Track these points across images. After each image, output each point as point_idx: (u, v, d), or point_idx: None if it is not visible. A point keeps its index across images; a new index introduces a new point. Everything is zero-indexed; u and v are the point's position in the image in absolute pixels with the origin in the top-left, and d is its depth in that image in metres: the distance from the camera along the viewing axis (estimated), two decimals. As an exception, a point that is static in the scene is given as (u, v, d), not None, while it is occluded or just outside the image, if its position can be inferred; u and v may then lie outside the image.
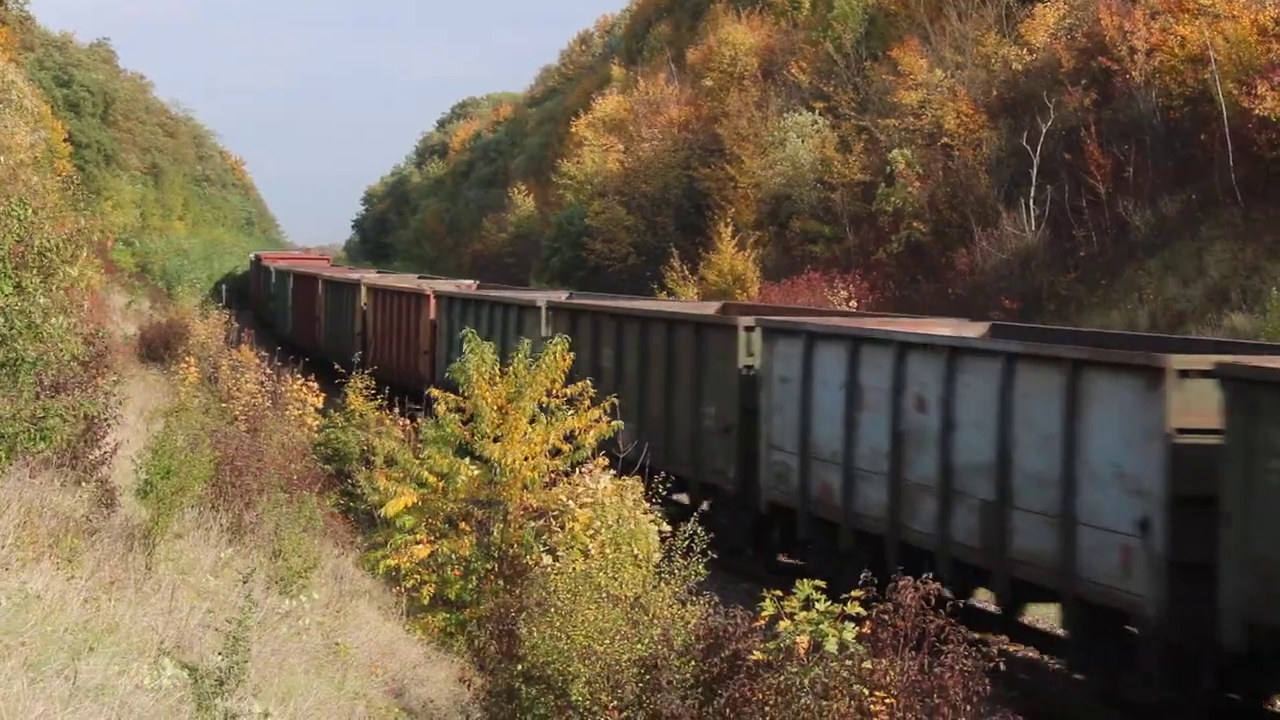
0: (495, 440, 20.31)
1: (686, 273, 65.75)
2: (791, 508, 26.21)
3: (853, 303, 55.23)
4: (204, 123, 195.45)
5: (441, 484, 20.55)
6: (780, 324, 27.82)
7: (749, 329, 28.38)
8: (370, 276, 64.93)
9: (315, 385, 34.15)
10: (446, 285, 54.88)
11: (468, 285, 56.91)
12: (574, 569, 15.66)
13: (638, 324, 32.76)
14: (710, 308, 39.07)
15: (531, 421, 20.57)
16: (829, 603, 12.50)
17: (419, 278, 66.02)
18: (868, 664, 11.73)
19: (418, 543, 20.14)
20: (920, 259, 59.75)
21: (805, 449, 25.68)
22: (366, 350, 51.23)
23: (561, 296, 43.44)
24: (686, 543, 15.50)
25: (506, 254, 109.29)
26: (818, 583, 12.72)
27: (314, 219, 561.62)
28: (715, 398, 29.10)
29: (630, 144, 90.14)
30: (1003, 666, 11.90)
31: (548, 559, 17.78)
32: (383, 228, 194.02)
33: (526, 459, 20.30)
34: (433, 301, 47.83)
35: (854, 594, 12.59)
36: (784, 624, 12.45)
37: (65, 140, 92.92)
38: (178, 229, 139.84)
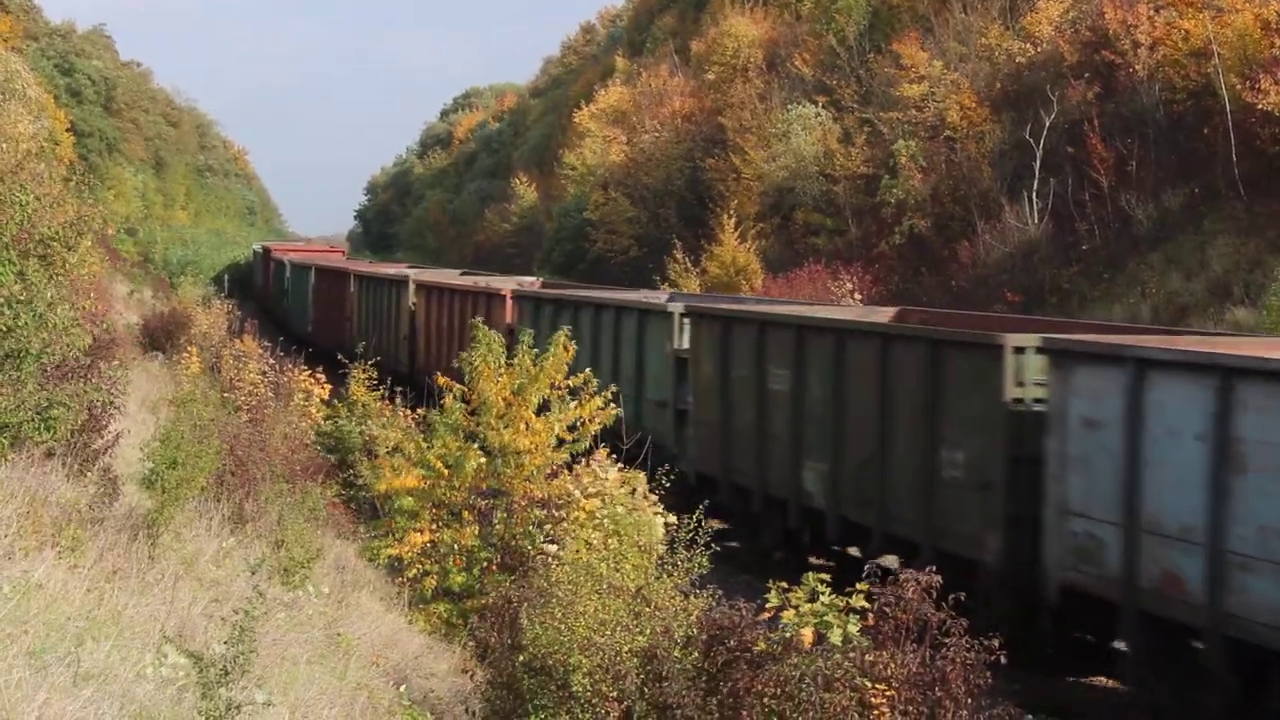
0: (501, 430, 20.39)
1: (689, 264, 65.75)
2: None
3: (857, 295, 55.20)
4: (207, 112, 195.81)
5: (448, 471, 20.58)
6: (1086, 346, 20.13)
7: (1019, 350, 21.32)
8: (425, 274, 56.37)
9: (322, 376, 34.18)
10: (509, 282, 48.19)
11: (531, 283, 50.69)
12: (576, 560, 15.69)
13: (832, 337, 25.90)
14: (885, 313, 32.05)
15: (537, 413, 20.64)
16: (833, 595, 12.56)
17: (462, 273, 60.98)
18: (869, 656, 11.76)
19: (418, 530, 20.15)
20: (923, 252, 59.75)
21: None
22: (417, 355, 48.79)
23: (664, 298, 38.99)
24: (690, 535, 15.54)
25: (509, 245, 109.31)
26: (823, 575, 12.82)
27: (315, 209, 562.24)
28: (964, 441, 22.33)
29: (633, 135, 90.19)
30: (1003, 660, 11.90)
31: (551, 549, 17.80)
32: (385, 218, 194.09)
33: (532, 449, 20.35)
34: (510, 303, 41.04)
35: (858, 586, 12.66)
36: (787, 614, 12.51)
37: (68, 130, 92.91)
38: (180, 218, 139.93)
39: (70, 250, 16.01)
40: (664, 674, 12.38)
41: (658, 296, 38.05)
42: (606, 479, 19.38)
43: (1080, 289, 50.02)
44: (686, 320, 31.10)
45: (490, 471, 20.39)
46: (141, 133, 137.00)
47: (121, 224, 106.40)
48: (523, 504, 19.87)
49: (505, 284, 46.40)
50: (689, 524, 15.69)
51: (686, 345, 31.02)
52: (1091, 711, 20.20)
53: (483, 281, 48.79)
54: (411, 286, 50.88)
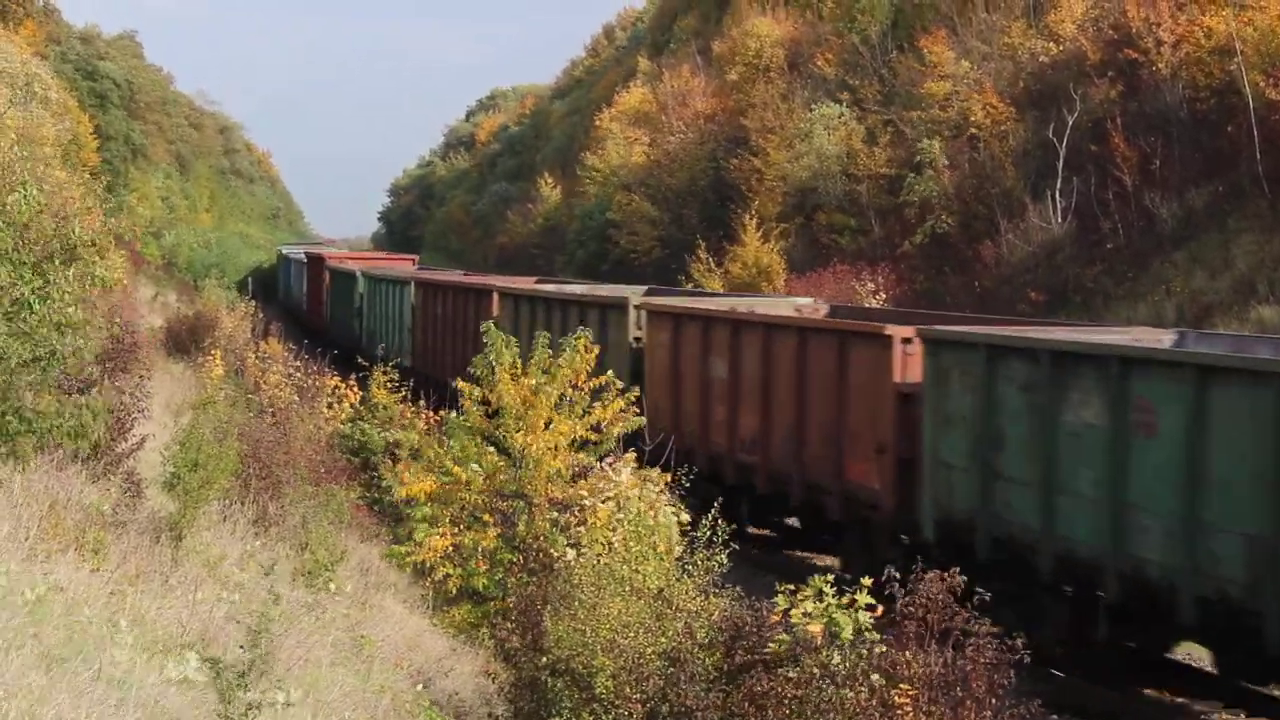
0: (519, 431, 20.39)
1: (712, 265, 65.73)
2: None
3: (880, 295, 55.16)
4: (230, 115, 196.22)
5: (465, 474, 20.58)
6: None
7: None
8: (655, 300, 36.07)
9: (354, 383, 34.19)
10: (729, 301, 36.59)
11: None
12: (597, 562, 15.68)
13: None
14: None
15: (556, 411, 20.65)
16: (838, 594, 12.62)
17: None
18: (882, 648, 11.78)
19: (440, 534, 20.16)
20: (946, 251, 59.66)
21: None
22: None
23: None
24: (708, 534, 15.54)
25: (533, 246, 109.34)
26: (828, 577, 12.89)
27: (338, 211, 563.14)
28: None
29: (656, 136, 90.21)
30: (1027, 659, 11.89)
31: (571, 553, 17.79)
32: (409, 220, 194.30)
33: (551, 450, 20.35)
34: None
35: (864, 582, 12.72)
36: (796, 612, 12.54)
37: (92, 133, 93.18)
38: (204, 221, 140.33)
39: (97, 262, 16.03)
40: (686, 675, 12.39)
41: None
42: (621, 481, 19.38)
43: (1104, 288, 49.90)
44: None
45: (511, 474, 20.38)
46: (165, 136, 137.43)
47: (146, 228, 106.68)
48: (544, 506, 19.86)
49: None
50: (706, 523, 15.68)
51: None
52: (1122, 714, 20.14)
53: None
54: (634, 314, 34.08)
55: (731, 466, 29.39)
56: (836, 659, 11.76)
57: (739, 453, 29.21)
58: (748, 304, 34.53)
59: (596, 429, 20.94)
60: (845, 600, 12.64)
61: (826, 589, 12.66)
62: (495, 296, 42.37)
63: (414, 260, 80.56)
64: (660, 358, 31.81)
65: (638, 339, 32.96)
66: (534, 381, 20.64)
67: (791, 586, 13.05)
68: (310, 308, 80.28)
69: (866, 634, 12.23)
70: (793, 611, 12.55)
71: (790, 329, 28.17)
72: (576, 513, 19.34)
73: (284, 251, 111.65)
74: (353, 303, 63.98)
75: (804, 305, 34.57)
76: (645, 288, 42.03)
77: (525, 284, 46.53)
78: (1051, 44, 60.63)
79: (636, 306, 33.48)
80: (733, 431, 29.44)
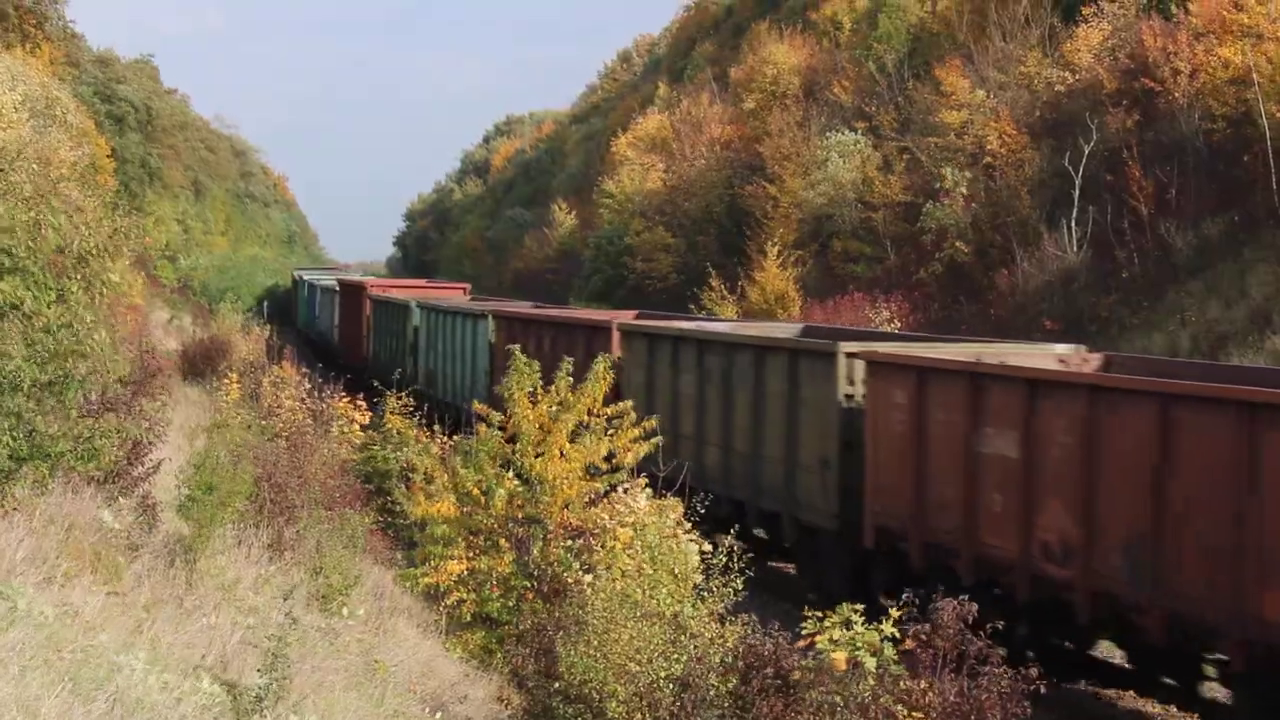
0: (536, 456, 20.42)
1: (725, 292, 65.75)
2: None
3: (895, 323, 55.16)
4: (247, 138, 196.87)
5: (483, 498, 20.61)
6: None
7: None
8: (884, 348, 30.30)
9: (363, 404, 34.24)
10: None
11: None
12: (612, 588, 15.69)
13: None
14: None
15: (572, 440, 20.68)
16: (866, 625, 12.57)
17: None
18: (904, 684, 11.75)
19: (453, 558, 20.17)
20: (961, 280, 59.66)
21: None
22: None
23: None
24: (725, 560, 15.55)
25: (548, 271, 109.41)
26: (857, 605, 12.82)
27: (352, 235, 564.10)
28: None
29: (672, 163, 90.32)
30: (1043, 689, 11.88)
31: (587, 578, 17.81)
32: (423, 245, 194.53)
33: (566, 477, 20.37)
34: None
35: (892, 612, 12.67)
36: (821, 640, 12.52)
37: (109, 156, 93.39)
38: (219, 245, 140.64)
39: (111, 263, 16.07)
40: (699, 701, 12.39)
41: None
42: (639, 507, 19.39)
43: (1120, 317, 49.85)
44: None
45: (528, 499, 20.41)
46: (181, 159, 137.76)
47: (162, 251, 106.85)
48: (559, 531, 19.88)
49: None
50: (722, 550, 15.69)
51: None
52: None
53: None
54: (845, 363, 27.74)
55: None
56: (855, 687, 11.74)
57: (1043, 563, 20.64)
58: (996, 352, 26.22)
59: (611, 457, 20.94)
60: (874, 632, 12.59)
61: (855, 617, 12.63)
62: (615, 333, 35.27)
63: (465, 289, 70.52)
64: (892, 422, 24.03)
65: (849, 396, 25.62)
66: (550, 407, 20.69)
67: (820, 614, 13.00)
68: (344, 340, 72.61)
69: (891, 666, 12.20)
70: (819, 639, 12.53)
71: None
72: (593, 537, 19.34)
73: (305, 277, 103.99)
74: (404, 337, 56.77)
75: (1068, 355, 26.51)
76: (802, 325, 37.16)
77: (659, 321, 38.33)
78: (1068, 73, 60.65)
79: (850, 355, 25.79)
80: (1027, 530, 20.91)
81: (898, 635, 12.53)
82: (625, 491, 20.13)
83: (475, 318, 47.01)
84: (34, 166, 19.72)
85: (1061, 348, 27.41)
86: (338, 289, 79.11)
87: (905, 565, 22.86)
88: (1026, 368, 22.33)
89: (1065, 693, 20.55)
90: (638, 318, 41.10)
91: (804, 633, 12.82)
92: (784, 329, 35.63)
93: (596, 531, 19.36)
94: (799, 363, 26.99)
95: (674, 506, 19.49)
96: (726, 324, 38.79)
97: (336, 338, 75.99)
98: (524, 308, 50.52)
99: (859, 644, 12.43)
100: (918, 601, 12.48)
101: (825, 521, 25.82)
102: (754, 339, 29.70)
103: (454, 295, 64.88)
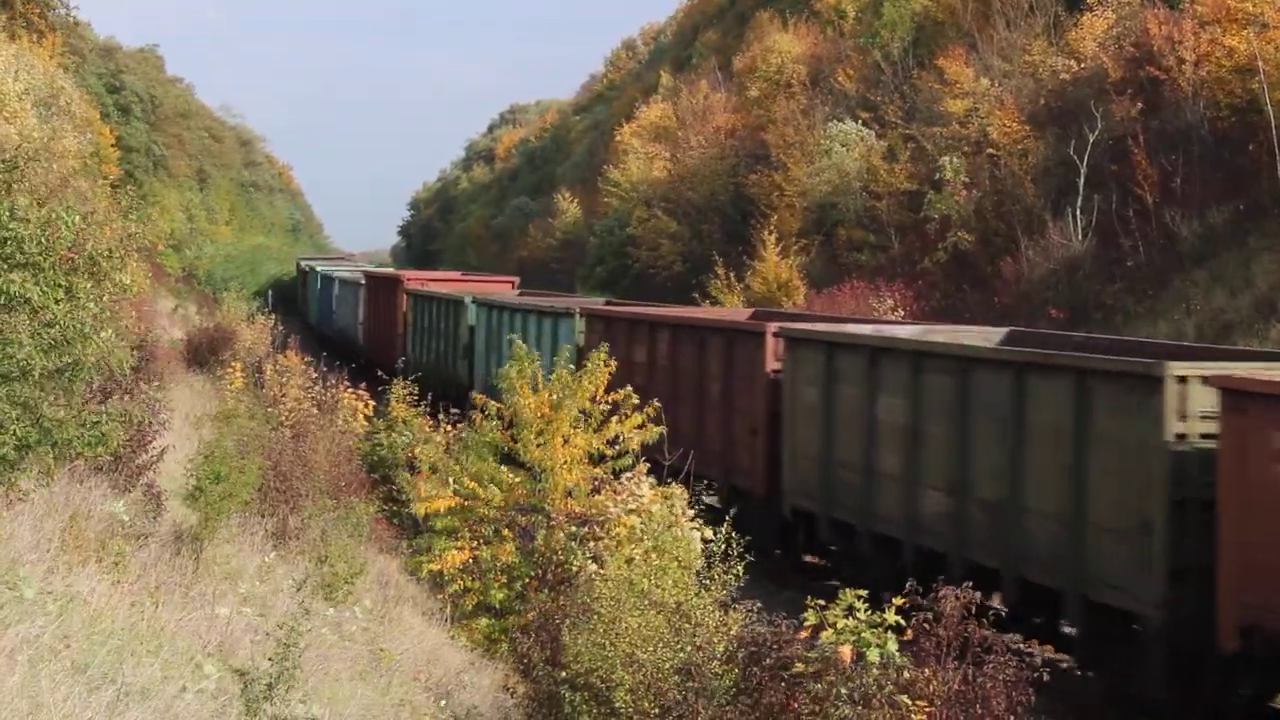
0: (538, 446, 20.40)
1: (732, 280, 65.72)
2: None
3: (899, 311, 55.14)
4: (253, 127, 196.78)
5: (483, 490, 20.60)
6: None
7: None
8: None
9: (365, 394, 34.19)
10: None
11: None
12: (617, 576, 15.68)
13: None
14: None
15: (574, 427, 20.66)
16: (870, 612, 12.52)
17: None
18: (908, 674, 11.72)
19: (458, 548, 20.17)
20: (966, 268, 59.60)
21: None
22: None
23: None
24: (724, 547, 15.52)
25: (553, 261, 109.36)
26: (860, 591, 12.75)
27: (357, 224, 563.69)
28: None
29: (676, 151, 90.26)
30: (1046, 676, 11.87)
31: (592, 566, 17.80)
32: (428, 234, 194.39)
33: (567, 464, 20.34)
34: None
35: (895, 601, 12.62)
36: (826, 634, 12.46)
37: (114, 145, 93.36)
38: (224, 234, 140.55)
39: (119, 270, 16.07)
40: (702, 690, 12.37)
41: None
42: (643, 495, 19.38)
43: (1125, 305, 49.80)
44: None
45: (530, 488, 20.40)
46: (186, 148, 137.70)
47: (167, 240, 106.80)
48: (562, 520, 19.86)
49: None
50: (721, 537, 15.67)
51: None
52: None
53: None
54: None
55: None
56: (859, 679, 11.71)
57: None
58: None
59: (614, 443, 20.91)
60: (878, 618, 12.53)
61: (858, 604, 12.58)
62: (770, 340, 29.35)
63: (513, 283, 62.10)
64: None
65: (1181, 435, 18.53)
66: (553, 395, 20.66)
67: (821, 602, 12.94)
68: (372, 339, 66.02)
69: (894, 658, 12.15)
70: (824, 633, 12.46)
71: None
72: (597, 526, 19.33)
73: (317, 268, 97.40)
74: (454, 338, 50.53)
75: None
76: (1006, 330, 31.03)
77: (830, 326, 31.41)
78: (1072, 61, 60.58)
79: (1180, 379, 18.83)
80: None
81: (901, 624, 12.49)
82: (629, 479, 20.12)
83: (556, 317, 40.56)
84: (51, 165, 19.76)
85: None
86: (364, 282, 72.35)
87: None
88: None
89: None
90: (753, 316, 36.70)
91: (806, 623, 12.76)
92: (985, 334, 29.90)
93: (601, 519, 19.36)
94: (1091, 388, 19.94)
95: (677, 493, 19.49)
96: (911, 328, 30.95)
97: (361, 336, 69.77)
98: (628, 306, 44.39)
99: (863, 634, 12.39)
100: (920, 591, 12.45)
101: (1144, 608, 18.91)
102: (1011, 355, 22.72)
103: (502, 289, 58.08)
